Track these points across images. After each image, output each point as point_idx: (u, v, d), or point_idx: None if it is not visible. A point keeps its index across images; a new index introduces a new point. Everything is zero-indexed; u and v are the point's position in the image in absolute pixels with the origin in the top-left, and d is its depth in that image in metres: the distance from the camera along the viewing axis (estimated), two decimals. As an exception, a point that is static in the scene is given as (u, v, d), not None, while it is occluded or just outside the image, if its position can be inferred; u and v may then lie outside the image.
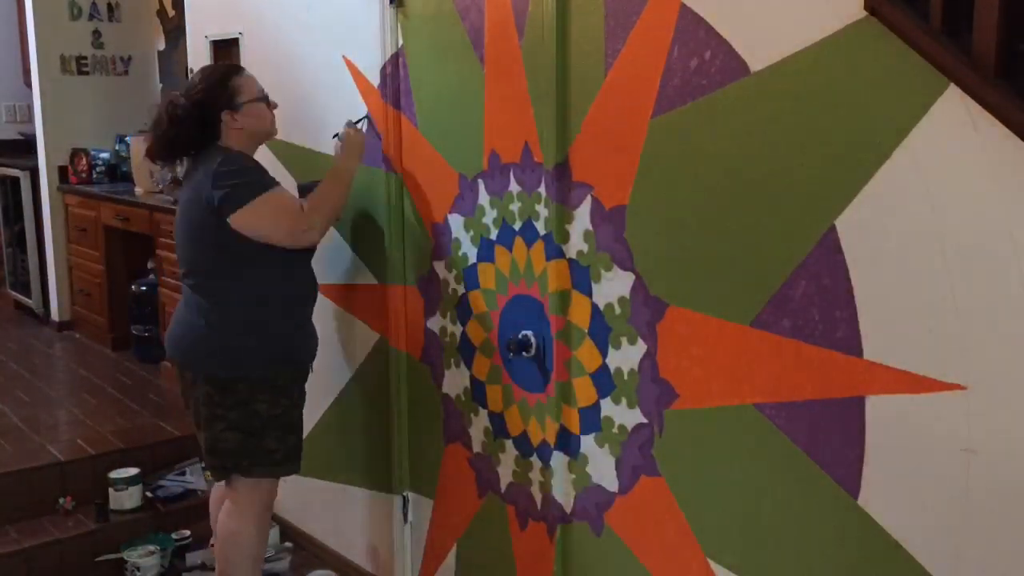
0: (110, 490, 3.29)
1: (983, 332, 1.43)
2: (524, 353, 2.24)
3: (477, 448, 2.48)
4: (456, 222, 2.43)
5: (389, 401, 2.74)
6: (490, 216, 2.32)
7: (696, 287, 1.85)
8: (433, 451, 2.63)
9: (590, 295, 2.07)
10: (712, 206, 1.80)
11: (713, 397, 1.85)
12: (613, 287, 2.02)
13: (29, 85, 5.60)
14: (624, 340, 2.01)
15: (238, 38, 3.20)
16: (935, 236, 1.47)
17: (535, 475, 2.30)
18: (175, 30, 5.29)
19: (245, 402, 2.44)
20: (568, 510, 2.22)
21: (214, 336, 2.44)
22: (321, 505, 3.13)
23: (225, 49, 3.32)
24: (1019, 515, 1.43)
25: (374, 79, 2.62)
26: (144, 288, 4.70)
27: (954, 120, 1.43)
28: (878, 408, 1.58)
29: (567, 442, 2.20)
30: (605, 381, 2.07)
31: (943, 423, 1.49)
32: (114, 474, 3.32)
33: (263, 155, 3.10)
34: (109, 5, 5.43)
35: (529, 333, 2.23)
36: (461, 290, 2.45)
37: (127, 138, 5.26)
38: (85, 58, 5.39)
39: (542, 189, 2.15)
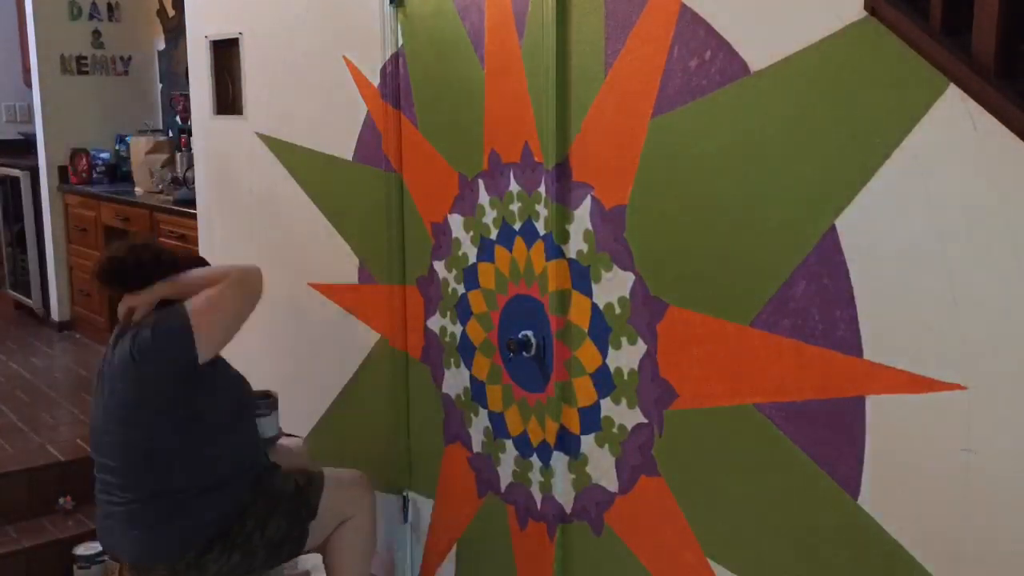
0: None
1: (983, 332, 1.43)
2: (524, 353, 2.24)
3: (477, 448, 2.48)
4: (456, 222, 2.43)
5: (389, 401, 2.74)
6: (490, 216, 2.32)
7: (696, 287, 1.85)
8: (433, 451, 2.63)
9: (590, 295, 2.07)
10: (712, 206, 1.80)
11: (713, 397, 1.85)
12: (613, 287, 2.02)
13: (29, 85, 5.60)
14: (624, 340, 2.01)
15: (238, 38, 3.20)
16: (935, 236, 1.47)
17: (535, 475, 2.30)
18: (175, 30, 5.29)
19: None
20: (568, 510, 2.22)
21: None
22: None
23: (225, 49, 3.32)
24: (1019, 515, 1.43)
25: (374, 79, 2.62)
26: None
27: (954, 120, 1.43)
28: (878, 408, 1.58)
29: (567, 442, 2.20)
30: (605, 381, 2.07)
31: (943, 423, 1.49)
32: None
33: (263, 154, 3.11)
34: (109, 5, 5.43)
35: (529, 333, 2.23)
36: (461, 290, 2.45)
37: (127, 138, 5.26)
38: (85, 58, 5.39)
39: (542, 189, 2.15)
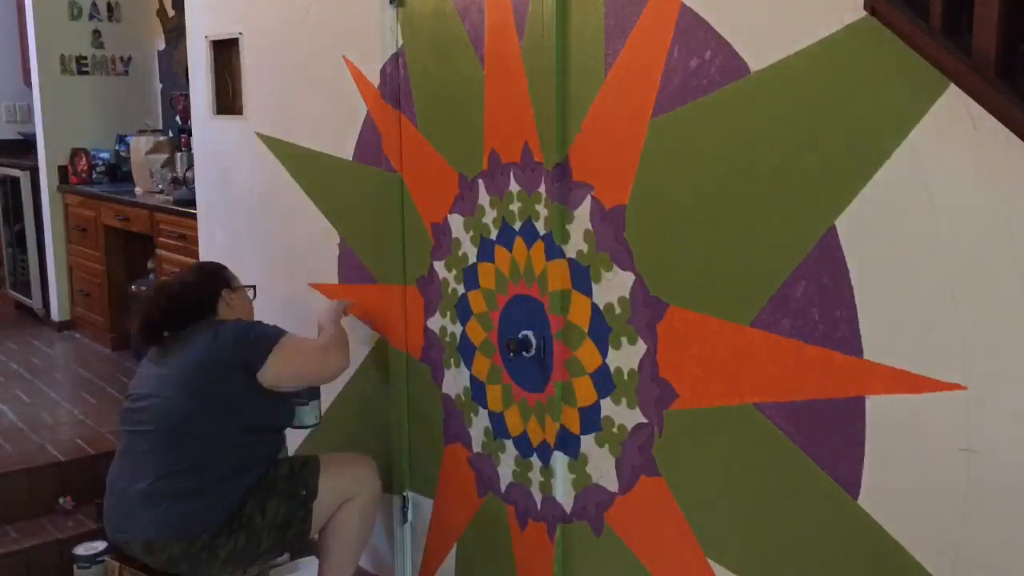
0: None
1: (983, 332, 1.43)
2: (524, 353, 2.24)
3: (477, 448, 2.48)
4: (456, 222, 2.43)
5: (389, 401, 2.74)
6: (490, 216, 2.32)
7: (696, 287, 1.85)
8: (433, 451, 2.63)
9: (590, 295, 2.07)
10: (712, 206, 1.80)
11: (713, 397, 1.85)
12: (613, 287, 2.02)
13: (29, 85, 5.60)
14: (624, 340, 2.01)
15: (238, 38, 3.20)
16: (935, 236, 1.47)
17: (535, 475, 2.30)
18: (175, 30, 5.29)
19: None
20: (568, 510, 2.22)
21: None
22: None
23: (225, 49, 3.32)
24: (1019, 515, 1.43)
25: (374, 79, 2.62)
26: (144, 288, 4.69)
27: (954, 120, 1.43)
28: (878, 408, 1.58)
29: (567, 442, 2.20)
30: (605, 381, 2.07)
31: (943, 423, 1.49)
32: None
33: (263, 154, 3.11)
34: (109, 5, 5.43)
35: (529, 333, 2.23)
36: (461, 290, 2.45)
37: (127, 138, 5.26)
38: (85, 58, 5.39)
39: (542, 189, 2.15)
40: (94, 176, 5.32)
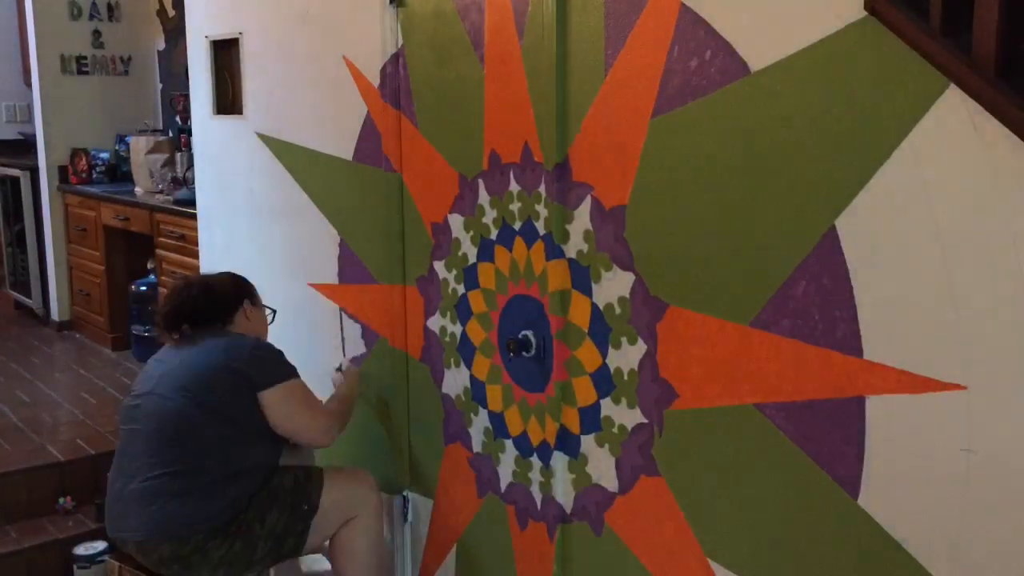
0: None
1: (983, 332, 1.43)
2: (524, 353, 2.24)
3: (477, 448, 2.48)
4: (456, 222, 2.43)
5: (389, 401, 2.74)
6: (490, 216, 2.32)
7: (696, 287, 1.85)
8: (433, 451, 2.63)
9: (590, 295, 2.07)
10: (712, 206, 1.80)
11: (713, 397, 1.85)
12: (613, 287, 2.02)
13: (29, 85, 5.60)
14: (624, 340, 2.01)
15: (238, 38, 3.20)
16: (935, 236, 1.47)
17: (535, 475, 2.30)
18: (175, 30, 5.29)
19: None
20: (568, 510, 2.22)
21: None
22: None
23: (225, 49, 3.32)
24: (1019, 515, 1.42)
25: (374, 79, 2.62)
26: (144, 288, 4.70)
27: (954, 120, 1.43)
28: (878, 408, 1.58)
29: (567, 442, 2.20)
30: (605, 381, 2.07)
31: (943, 423, 1.49)
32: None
33: (263, 154, 3.11)
34: (109, 5, 5.44)
35: (529, 333, 2.23)
36: (461, 290, 2.45)
37: (127, 138, 5.27)
38: (85, 58, 5.39)
39: (542, 189, 2.15)
40: (94, 176, 5.32)
